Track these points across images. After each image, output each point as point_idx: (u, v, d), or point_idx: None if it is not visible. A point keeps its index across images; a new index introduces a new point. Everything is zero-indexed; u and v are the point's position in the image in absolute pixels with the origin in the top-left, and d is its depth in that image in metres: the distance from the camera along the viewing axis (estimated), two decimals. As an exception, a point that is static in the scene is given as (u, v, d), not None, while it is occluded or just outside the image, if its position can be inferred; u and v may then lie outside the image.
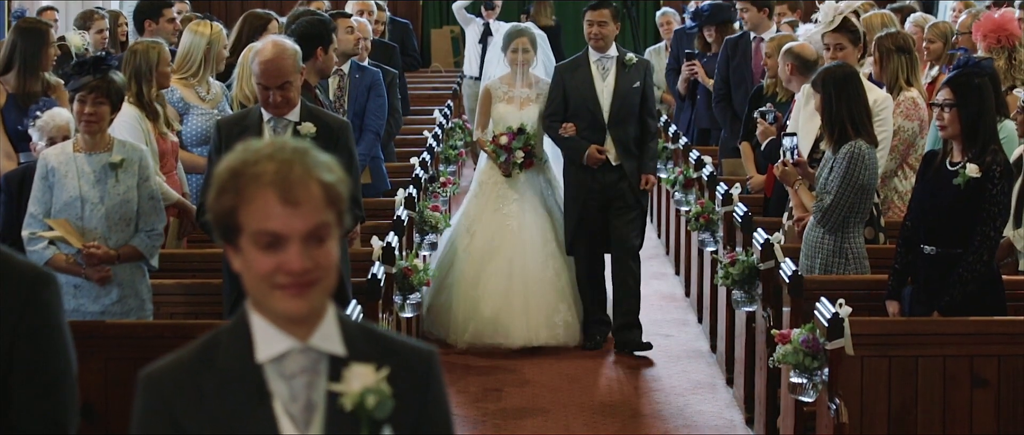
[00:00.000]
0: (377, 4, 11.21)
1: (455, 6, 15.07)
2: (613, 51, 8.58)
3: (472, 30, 15.04)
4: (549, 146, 8.89)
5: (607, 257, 8.73)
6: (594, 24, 8.55)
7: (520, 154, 8.62)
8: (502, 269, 8.57)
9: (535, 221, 8.68)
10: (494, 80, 8.87)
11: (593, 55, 8.57)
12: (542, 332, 8.50)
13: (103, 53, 6.25)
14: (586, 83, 8.51)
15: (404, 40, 12.66)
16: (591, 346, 8.56)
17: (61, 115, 6.21)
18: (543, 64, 8.87)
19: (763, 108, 8.06)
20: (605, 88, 8.51)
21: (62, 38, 9.24)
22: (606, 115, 8.48)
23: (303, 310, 2.43)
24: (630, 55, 8.62)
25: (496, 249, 8.62)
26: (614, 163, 8.49)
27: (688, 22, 11.28)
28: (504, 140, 8.62)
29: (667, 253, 11.35)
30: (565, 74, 8.59)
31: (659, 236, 12.04)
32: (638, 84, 8.52)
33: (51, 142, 6.08)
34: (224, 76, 7.82)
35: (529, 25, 8.94)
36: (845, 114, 6.35)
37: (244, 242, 2.42)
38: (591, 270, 8.61)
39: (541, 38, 8.87)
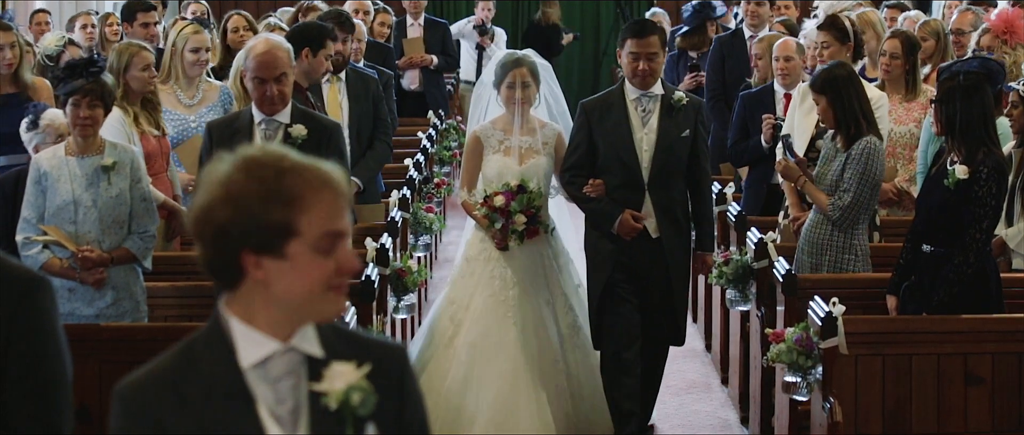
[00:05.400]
0: (384, 8, 11.18)
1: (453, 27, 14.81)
2: (657, 88, 6.49)
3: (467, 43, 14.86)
4: (554, 210, 6.93)
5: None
6: (642, 58, 6.40)
7: (521, 219, 6.53)
8: (502, 379, 6.51)
9: (540, 316, 6.66)
10: (485, 125, 6.78)
11: (630, 92, 6.48)
12: None
13: (94, 54, 6.23)
14: (621, 128, 6.44)
15: (443, 41, 12.50)
16: None
17: (58, 116, 6.20)
18: (546, 102, 6.93)
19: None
20: (645, 136, 6.46)
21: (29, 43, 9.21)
22: (645, 172, 6.45)
23: (343, 309, 2.44)
24: (679, 94, 6.55)
25: (491, 351, 6.56)
26: (653, 235, 6.49)
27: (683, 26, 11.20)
28: (500, 201, 6.51)
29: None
30: (593, 114, 6.50)
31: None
32: (688, 133, 6.48)
33: (59, 140, 6.05)
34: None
35: (528, 52, 6.85)
36: (857, 110, 6.32)
37: (295, 248, 2.37)
38: (618, 359, 6.52)
39: (544, 68, 6.87)
